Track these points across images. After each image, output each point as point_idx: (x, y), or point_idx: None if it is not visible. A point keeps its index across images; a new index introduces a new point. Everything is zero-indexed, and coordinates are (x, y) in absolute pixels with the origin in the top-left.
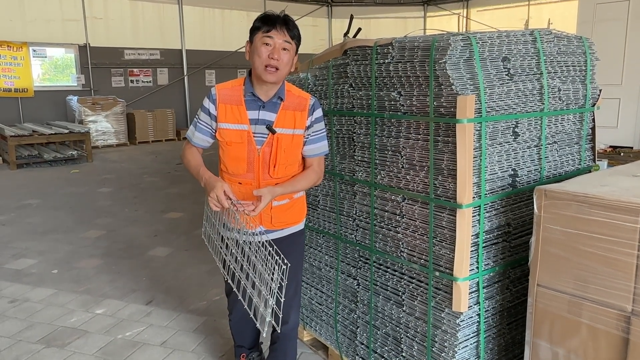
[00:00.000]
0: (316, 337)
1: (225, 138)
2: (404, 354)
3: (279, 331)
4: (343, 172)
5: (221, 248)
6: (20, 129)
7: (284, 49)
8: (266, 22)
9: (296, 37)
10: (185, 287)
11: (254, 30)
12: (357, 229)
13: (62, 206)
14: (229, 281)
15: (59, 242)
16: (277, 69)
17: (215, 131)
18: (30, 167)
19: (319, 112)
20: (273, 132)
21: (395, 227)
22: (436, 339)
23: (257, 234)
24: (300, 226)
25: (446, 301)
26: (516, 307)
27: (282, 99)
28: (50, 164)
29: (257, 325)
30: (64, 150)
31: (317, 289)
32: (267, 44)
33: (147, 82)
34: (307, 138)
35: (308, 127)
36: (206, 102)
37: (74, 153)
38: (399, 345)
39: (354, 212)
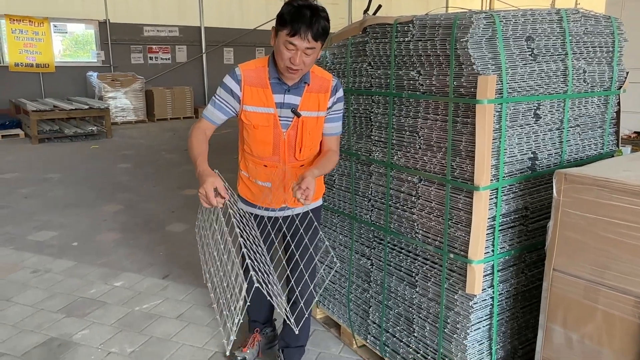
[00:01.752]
0: (329, 315)
1: (251, 121)
2: (415, 334)
3: (296, 329)
4: (359, 152)
5: (208, 243)
6: (42, 104)
7: (307, 53)
8: (291, 23)
9: (322, 36)
10: (200, 263)
11: (279, 24)
12: (372, 210)
13: (83, 181)
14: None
15: (79, 216)
16: (299, 69)
17: (237, 111)
18: (51, 142)
19: (340, 93)
20: (298, 115)
21: (411, 208)
22: (448, 321)
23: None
24: (319, 202)
25: (460, 283)
26: (530, 291)
27: (307, 83)
28: (70, 139)
29: (275, 305)
30: (84, 125)
31: (331, 268)
32: (289, 48)
33: (166, 59)
34: (329, 115)
35: (329, 107)
36: (229, 81)
37: (93, 129)
38: (410, 326)
39: (370, 193)
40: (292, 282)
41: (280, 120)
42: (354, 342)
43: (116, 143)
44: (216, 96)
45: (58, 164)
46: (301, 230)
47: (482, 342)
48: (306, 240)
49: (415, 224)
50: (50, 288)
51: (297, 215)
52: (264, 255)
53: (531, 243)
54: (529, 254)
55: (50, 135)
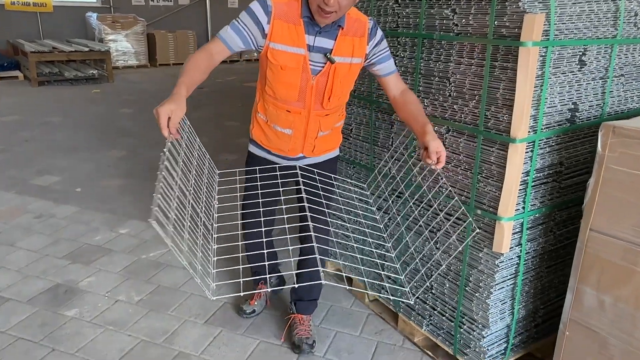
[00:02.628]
0: (340, 269)
1: (279, 61)
2: (433, 291)
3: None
4: (381, 100)
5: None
6: (40, 45)
7: None
8: None
9: None
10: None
11: None
12: (392, 161)
13: (84, 125)
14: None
15: (82, 161)
16: (333, 12)
17: (257, 46)
18: (51, 84)
19: (379, 34)
20: (332, 61)
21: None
22: (471, 279)
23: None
24: (336, 152)
25: (486, 241)
26: (557, 250)
27: (341, 27)
28: (71, 82)
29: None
30: (84, 69)
31: (344, 221)
32: None
33: (168, 1)
34: (377, 58)
35: (370, 53)
36: (257, 9)
37: (94, 72)
38: (428, 281)
39: (390, 143)
40: (309, 238)
41: (310, 64)
42: (366, 296)
43: (118, 88)
44: (238, 20)
45: (59, 108)
46: (319, 182)
47: (504, 301)
48: (322, 193)
49: (440, 177)
50: (54, 234)
51: (313, 164)
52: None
53: (563, 201)
54: (559, 212)
55: (50, 78)
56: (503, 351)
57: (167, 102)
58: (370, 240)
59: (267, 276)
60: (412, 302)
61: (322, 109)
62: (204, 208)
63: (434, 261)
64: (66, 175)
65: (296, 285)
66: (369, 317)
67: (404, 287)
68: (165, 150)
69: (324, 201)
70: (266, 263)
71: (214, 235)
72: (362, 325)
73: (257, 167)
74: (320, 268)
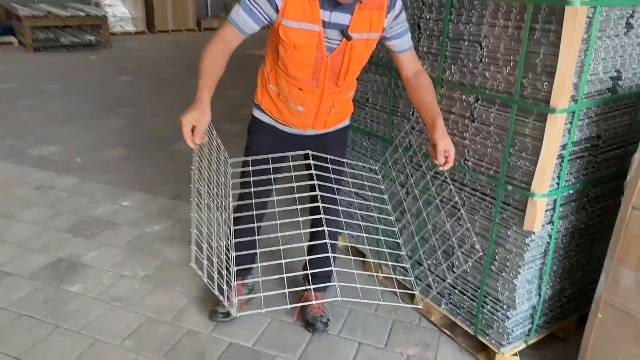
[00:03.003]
0: (352, 244)
1: (292, 39)
2: (454, 269)
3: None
4: None
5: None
6: (35, 9)
7: None
8: None
9: None
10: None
11: None
12: (412, 132)
13: (83, 93)
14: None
15: (81, 130)
16: None
17: (272, 21)
18: (47, 51)
19: (399, 4)
20: (349, 38)
21: (462, 133)
22: (497, 257)
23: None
24: (347, 122)
25: (515, 218)
26: (588, 228)
27: (360, 1)
28: (67, 49)
29: None
30: (81, 35)
31: (358, 194)
32: None
33: None
34: (394, 32)
35: (387, 26)
36: None
37: (91, 39)
38: (449, 259)
39: (410, 113)
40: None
41: (324, 41)
42: (380, 272)
43: (116, 55)
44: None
45: (56, 75)
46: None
47: (532, 281)
48: (332, 166)
49: (467, 150)
50: (55, 206)
51: (324, 135)
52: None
53: (597, 176)
54: (593, 188)
55: (46, 44)
56: (527, 332)
57: (191, 110)
58: (376, 216)
59: (246, 272)
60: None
61: (336, 87)
62: (224, 212)
63: (456, 238)
64: (65, 145)
65: (307, 258)
66: (384, 296)
67: (411, 278)
68: (193, 168)
69: (334, 176)
70: (257, 250)
71: (232, 241)
72: (376, 304)
73: (265, 134)
74: (330, 255)
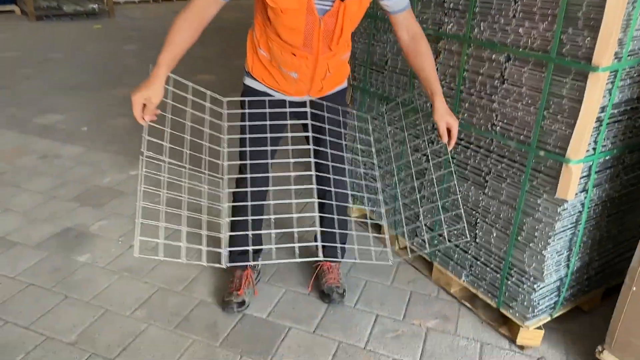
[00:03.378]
0: (367, 214)
1: (278, 3)
2: (477, 240)
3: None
4: (425, 25)
5: None
6: None
7: None
8: None
9: None
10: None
11: None
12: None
13: (87, 62)
14: None
15: (86, 99)
16: None
17: None
18: (50, 19)
19: None
20: None
21: (491, 95)
22: (524, 227)
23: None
24: (344, 84)
25: (546, 186)
26: (621, 197)
27: None
28: (70, 17)
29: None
30: (84, 3)
31: (373, 162)
32: None
33: None
34: None
35: None
36: None
37: (94, 7)
38: (472, 230)
39: None
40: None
41: (315, 4)
42: (397, 243)
43: (120, 24)
44: None
45: (59, 44)
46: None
47: (561, 252)
48: (330, 128)
49: (495, 114)
50: (61, 175)
51: (321, 98)
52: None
53: (635, 142)
54: (629, 155)
55: (49, 13)
56: (553, 305)
57: (143, 88)
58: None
59: (253, 257)
60: (447, 244)
61: (329, 51)
62: (207, 157)
63: (481, 208)
64: (70, 114)
65: (319, 230)
66: (401, 266)
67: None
68: (144, 135)
69: (335, 140)
70: (262, 232)
71: (224, 191)
72: (393, 275)
73: (259, 101)
74: (336, 235)
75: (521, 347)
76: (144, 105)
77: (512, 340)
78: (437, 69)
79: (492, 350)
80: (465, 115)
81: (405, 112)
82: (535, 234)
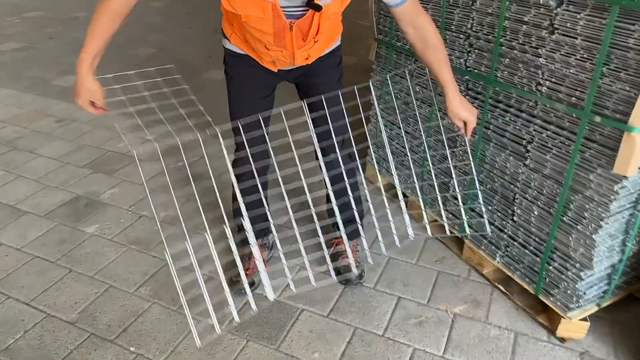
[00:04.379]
0: (392, 183)
1: (236, 9)
2: (515, 218)
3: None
4: None
5: None
6: None
7: None
8: None
9: None
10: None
11: None
12: (469, 50)
13: None
14: None
15: (108, 60)
16: None
17: None
18: None
19: None
20: (317, 9)
21: (537, 48)
22: (571, 207)
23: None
24: (337, 42)
25: (601, 159)
26: None
27: None
28: None
29: None
30: None
31: (400, 128)
32: None
33: None
34: None
35: None
36: None
37: None
38: (509, 207)
39: (469, 26)
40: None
41: (285, 11)
42: (425, 216)
43: None
44: None
45: (84, 2)
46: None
47: (615, 236)
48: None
49: (541, 71)
50: (76, 139)
51: (312, 65)
52: None
53: None
54: None
55: None
56: (602, 294)
57: (78, 94)
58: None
59: (262, 234)
60: (489, 233)
61: (306, 44)
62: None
63: (520, 182)
64: None
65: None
66: (427, 243)
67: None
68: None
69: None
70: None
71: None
72: (419, 252)
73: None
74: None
75: (562, 340)
76: (93, 103)
77: (552, 331)
78: (471, 19)
79: (527, 342)
80: (505, 73)
81: None
82: (585, 214)
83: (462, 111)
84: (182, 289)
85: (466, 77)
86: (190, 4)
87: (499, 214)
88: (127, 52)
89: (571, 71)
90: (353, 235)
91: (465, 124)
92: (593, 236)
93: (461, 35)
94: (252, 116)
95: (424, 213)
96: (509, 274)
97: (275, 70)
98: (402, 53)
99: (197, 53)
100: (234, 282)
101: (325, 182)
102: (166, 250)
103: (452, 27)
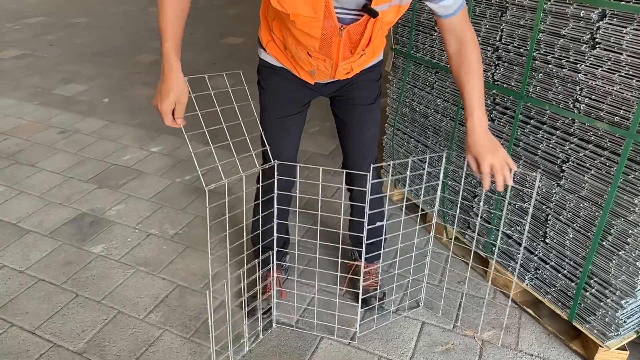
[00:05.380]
0: (410, 199)
1: (286, 7)
2: (547, 240)
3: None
4: None
5: None
6: None
7: None
8: None
9: None
10: (249, 124)
11: None
12: (497, 64)
13: (112, 26)
14: None
15: (109, 67)
16: None
17: None
18: None
19: None
20: (374, 15)
21: (575, 63)
22: (612, 231)
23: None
24: (379, 57)
25: None
26: None
27: None
28: None
29: None
30: None
31: (419, 141)
32: None
33: None
34: None
35: None
36: None
37: None
38: (541, 228)
39: (498, 38)
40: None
41: (337, 12)
42: (445, 233)
43: None
44: None
45: (85, 7)
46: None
47: None
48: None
49: (579, 87)
50: (79, 152)
51: (351, 79)
52: None
53: None
54: None
55: None
56: None
57: (165, 92)
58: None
59: (279, 254)
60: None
61: (353, 56)
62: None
63: (554, 202)
64: (93, 83)
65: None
66: (450, 262)
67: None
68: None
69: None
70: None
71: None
72: (440, 272)
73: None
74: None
75: None
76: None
77: (587, 359)
78: (500, 30)
79: None
80: (538, 88)
81: None
82: (628, 240)
83: (483, 149)
84: (195, 315)
85: (493, 91)
86: (192, 9)
87: (530, 234)
88: (129, 60)
89: (615, 88)
90: (374, 257)
91: (483, 166)
92: (637, 263)
93: (489, 48)
94: (282, 133)
95: (447, 232)
96: (539, 297)
97: (312, 83)
98: (422, 64)
99: (200, 59)
100: (248, 306)
101: (351, 206)
102: (210, 291)
103: (479, 38)
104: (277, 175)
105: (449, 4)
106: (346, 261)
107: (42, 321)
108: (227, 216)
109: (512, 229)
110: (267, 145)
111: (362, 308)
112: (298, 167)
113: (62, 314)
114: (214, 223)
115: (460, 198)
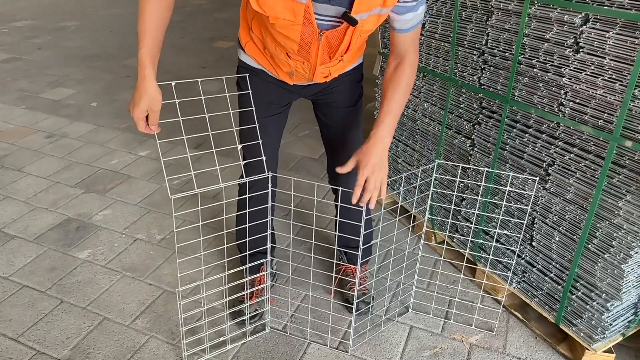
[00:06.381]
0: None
1: (265, 10)
2: (533, 243)
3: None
4: None
5: None
6: None
7: None
8: None
9: None
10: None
11: None
12: (484, 68)
13: (102, 29)
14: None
15: (98, 70)
16: None
17: None
18: None
19: None
20: (353, 23)
21: (559, 67)
22: (597, 234)
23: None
24: (359, 60)
25: (632, 185)
26: None
27: None
28: None
29: None
30: None
31: (407, 145)
32: None
33: None
34: (398, 6)
35: None
36: None
37: None
38: (528, 232)
39: (484, 42)
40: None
41: (317, 18)
42: (434, 237)
43: None
44: None
45: (75, 10)
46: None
47: None
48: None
49: (564, 91)
50: (66, 157)
51: (330, 82)
52: None
53: None
54: None
55: None
56: (627, 324)
57: (138, 99)
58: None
59: (265, 257)
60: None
61: (331, 60)
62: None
63: (540, 205)
64: (81, 87)
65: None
66: (437, 266)
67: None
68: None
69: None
70: (269, 232)
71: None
72: (429, 275)
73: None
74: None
75: None
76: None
77: None
78: (486, 35)
79: None
80: (523, 92)
81: (444, 87)
82: (613, 242)
83: (369, 162)
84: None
85: (480, 95)
86: (181, 12)
87: (515, 238)
88: (118, 63)
89: (598, 92)
90: (363, 259)
91: (360, 175)
92: (622, 266)
93: (475, 52)
94: (261, 134)
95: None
96: (527, 300)
97: (291, 84)
98: None
99: (190, 63)
100: (235, 312)
101: (336, 207)
102: (179, 290)
103: (465, 42)
104: (256, 175)
105: (409, 18)
106: (336, 262)
107: (26, 328)
108: (202, 223)
109: (499, 233)
110: (245, 152)
111: (352, 313)
112: (278, 165)
113: (46, 320)
114: (198, 226)
115: (451, 205)
